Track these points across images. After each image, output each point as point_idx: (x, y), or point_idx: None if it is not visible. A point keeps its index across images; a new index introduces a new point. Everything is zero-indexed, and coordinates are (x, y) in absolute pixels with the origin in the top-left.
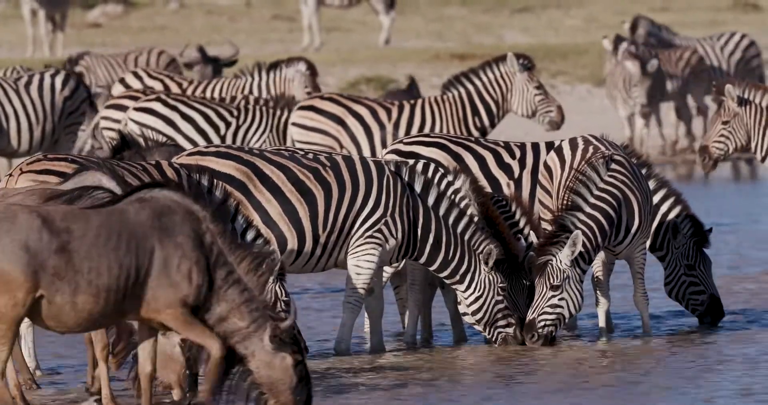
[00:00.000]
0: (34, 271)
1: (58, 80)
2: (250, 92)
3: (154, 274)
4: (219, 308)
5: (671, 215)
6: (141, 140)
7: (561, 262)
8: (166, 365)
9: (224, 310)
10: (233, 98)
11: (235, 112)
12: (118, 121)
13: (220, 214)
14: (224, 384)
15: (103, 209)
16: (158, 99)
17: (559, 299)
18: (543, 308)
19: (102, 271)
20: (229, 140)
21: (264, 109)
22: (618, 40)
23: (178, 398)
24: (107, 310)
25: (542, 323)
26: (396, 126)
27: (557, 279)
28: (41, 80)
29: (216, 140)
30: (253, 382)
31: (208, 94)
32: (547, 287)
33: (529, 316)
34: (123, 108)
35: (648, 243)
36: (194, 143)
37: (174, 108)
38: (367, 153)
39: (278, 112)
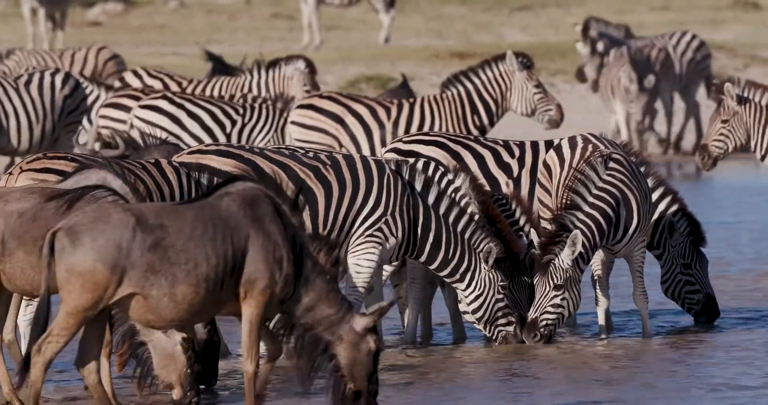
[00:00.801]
0: (123, 270)
1: (58, 79)
2: (250, 90)
3: (249, 262)
4: (307, 298)
5: (668, 214)
6: (139, 139)
7: (563, 261)
8: (167, 364)
9: (312, 300)
10: (234, 96)
11: (241, 111)
12: (117, 120)
13: (296, 208)
14: (312, 367)
15: (194, 204)
16: (164, 97)
17: (561, 299)
18: (545, 307)
19: (200, 261)
20: (234, 138)
21: (270, 107)
22: (588, 40)
23: (178, 397)
24: (206, 300)
25: (544, 323)
26: (395, 125)
27: (560, 278)
28: (41, 79)
29: (222, 138)
30: (336, 365)
31: (207, 93)
32: (549, 287)
33: (531, 315)
34: (122, 107)
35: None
36: (200, 141)
37: (180, 106)
38: (366, 152)
39: (285, 112)
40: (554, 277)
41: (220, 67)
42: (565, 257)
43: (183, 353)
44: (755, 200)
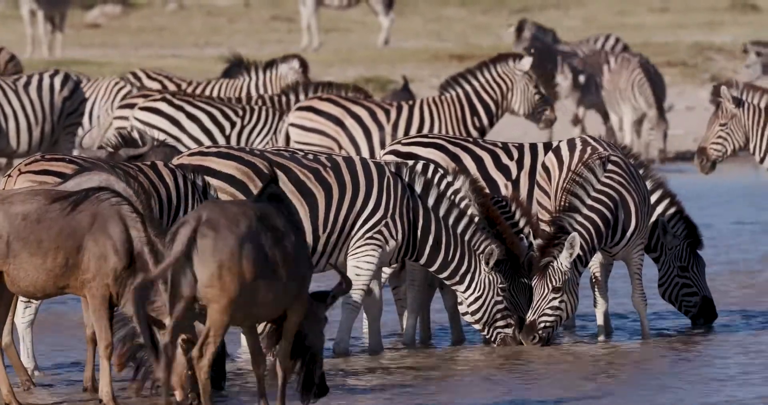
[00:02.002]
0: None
1: (57, 81)
2: (248, 92)
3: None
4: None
5: (666, 216)
6: (138, 139)
7: (562, 264)
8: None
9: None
10: (238, 99)
11: (240, 113)
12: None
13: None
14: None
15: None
16: (164, 99)
17: (560, 301)
18: (543, 310)
19: (289, 260)
20: (233, 140)
21: (269, 109)
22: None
23: (180, 399)
24: (288, 290)
25: (542, 325)
26: (395, 127)
27: (558, 281)
28: (40, 81)
29: (221, 140)
30: (312, 355)
31: (207, 95)
32: (548, 289)
33: (530, 318)
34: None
35: None
36: (199, 143)
37: (179, 108)
38: (365, 154)
39: (284, 115)
40: (552, 279)
41: (235, 69)
42: (563, 260)
43: (183, 355)
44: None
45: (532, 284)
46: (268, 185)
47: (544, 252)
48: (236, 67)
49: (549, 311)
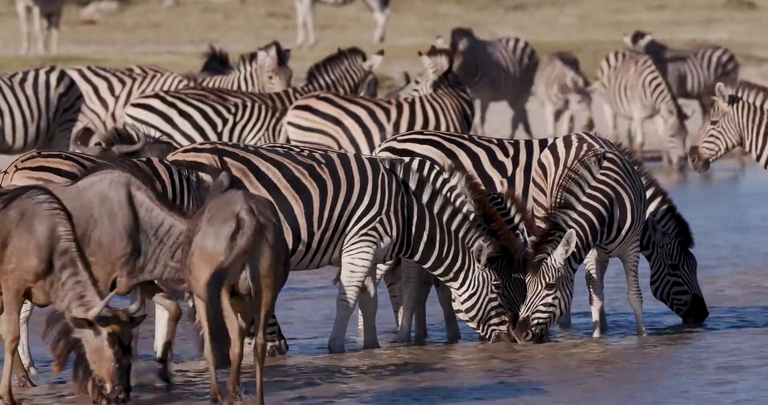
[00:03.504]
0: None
1: (53, 77)
2: (238, 87)
3: None
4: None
5: (658, 214)
6: (134, 135)
7: (555, 261)
8: (96, 359)
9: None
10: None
11: (233, 109)
12: (141, 121)
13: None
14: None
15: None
16: (156, 95)
17: (553, 298)
18: (537, 306)
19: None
20: (225, 137)
21: (262, 106)
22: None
23: (108, 392)
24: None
25: (535, 321)
26: (396, 126)
27: (552, 278)
28: (36, 77)
29: (213, 137)
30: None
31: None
32: (541, 286)
33: (523, 314)
34: (149, 107)
35: None
36: (191, 140)
37: (172, 104)
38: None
39: (277, 111)
40: (546, 276)
41: (217, 65)
42: (557, 256)
43: (110, 348)
44: None
45: (526, 281)
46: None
47: (538, 248)
48: (217, 62)
49: (542, 308)
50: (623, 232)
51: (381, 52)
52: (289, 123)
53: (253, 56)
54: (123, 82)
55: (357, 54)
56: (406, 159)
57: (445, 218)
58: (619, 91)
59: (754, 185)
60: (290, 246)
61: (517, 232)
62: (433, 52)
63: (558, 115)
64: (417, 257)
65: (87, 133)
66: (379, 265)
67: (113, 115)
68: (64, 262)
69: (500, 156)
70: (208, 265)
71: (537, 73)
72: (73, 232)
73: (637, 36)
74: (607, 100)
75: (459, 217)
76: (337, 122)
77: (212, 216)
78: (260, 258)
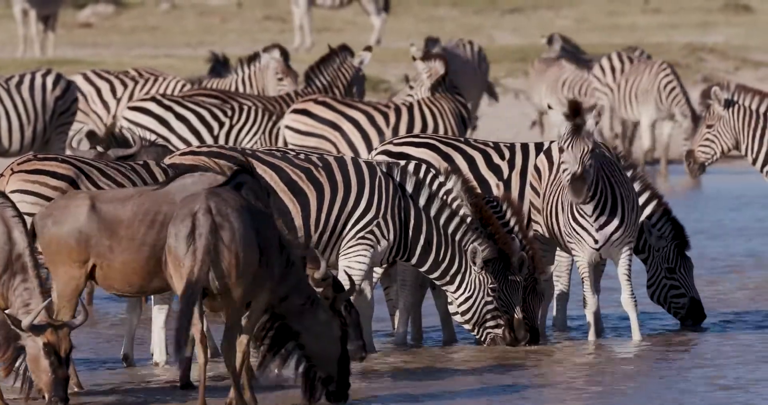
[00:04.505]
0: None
1: (49, 80)
2: (236, 89)
3: None
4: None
5: (653, 218)
6: (130, 139)
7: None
8: (35, 368)
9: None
10: (227, 98)
11: (229, 113)
12: (138, 124)
13: None
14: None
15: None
16: (153, 99)
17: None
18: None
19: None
20: (222, 140)
21: (258, 110)
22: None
23: (46, 402)
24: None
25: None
26: (395, 131)
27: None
28: (32, 80)
29: (209, 140)
30: (303, 355)
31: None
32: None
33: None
34: (145, 110)
35: None
36: (188, 143)
37: (168, 108)
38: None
39: (273, 114)
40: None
41: (220, 68)
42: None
43: (45, 358)
44: None
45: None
46: (237, 174)
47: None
48: (220, 65)
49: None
50: (616, 235)
51: (369, 48)
52: (287, 127)
53: (251, 58)
54: (125, 85)
55: (346, 51)
56: (403, 162)
57: (441, 221)
58: (629, 95)
59: None
60: None
61: (513, 236)
62: (427, 56)
63: None
64: (414, 260)
65: (92, 135)
66: (376, 269)
67: (115, 118)
68: (17, 268)
69: (496, 159)
70: (174, 264)
71: (536, 74)
72: (28, 238)
73: (552, 38)
74: (610, 103)
75: (455, 220)
76: (335, 127)
77: (176, 215)
78: (218, 258)
